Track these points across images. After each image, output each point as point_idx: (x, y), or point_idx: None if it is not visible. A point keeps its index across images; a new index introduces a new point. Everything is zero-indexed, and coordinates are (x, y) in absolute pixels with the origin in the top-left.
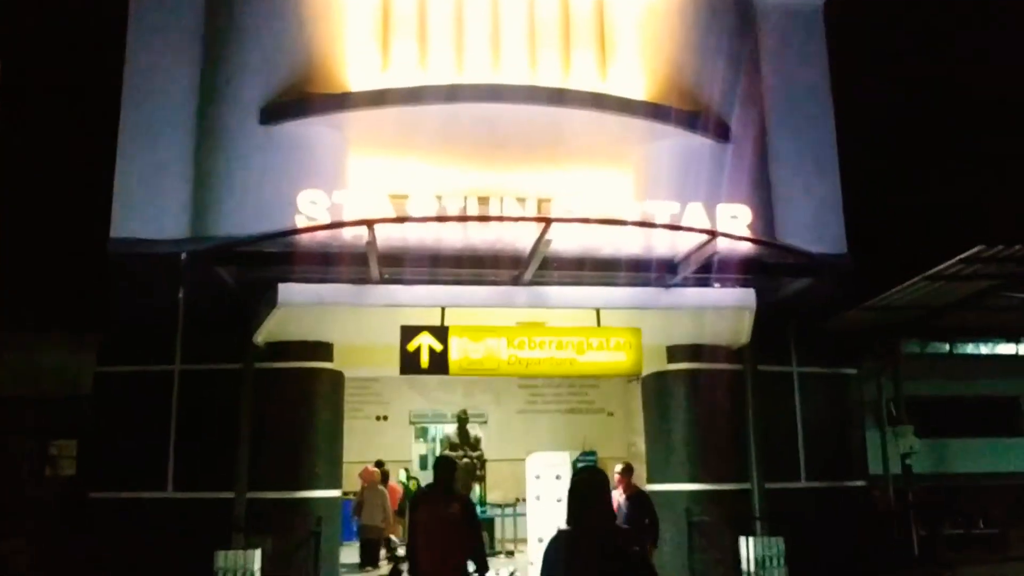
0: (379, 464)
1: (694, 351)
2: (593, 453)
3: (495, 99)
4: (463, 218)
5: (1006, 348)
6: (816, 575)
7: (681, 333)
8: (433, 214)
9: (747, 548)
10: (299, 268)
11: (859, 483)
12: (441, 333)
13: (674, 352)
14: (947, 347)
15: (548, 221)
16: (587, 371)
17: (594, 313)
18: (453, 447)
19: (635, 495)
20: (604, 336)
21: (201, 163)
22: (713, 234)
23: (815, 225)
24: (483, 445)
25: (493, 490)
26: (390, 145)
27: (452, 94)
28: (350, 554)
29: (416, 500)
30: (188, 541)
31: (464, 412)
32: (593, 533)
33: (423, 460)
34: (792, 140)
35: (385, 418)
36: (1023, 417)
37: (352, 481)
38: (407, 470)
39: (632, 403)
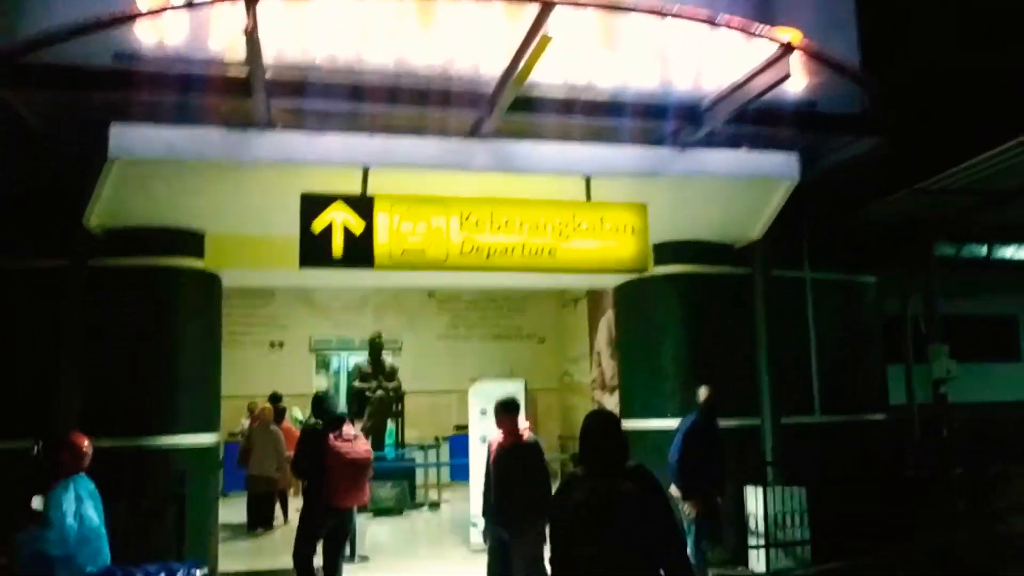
0: (274, 399)
1: (690, 249)
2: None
3: None
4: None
5: None
6: (840, 535)
7: (679, 222)
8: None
9: (756, 501)
10: (141, 97)
11: (879, 416)
12: (362, 206)
13: (663, 251)
14: (984, 249)
15: (548, 4)
16: (571, 264)
17: (582, 183)
18: (364, 377)
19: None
20: (596, 215)
21: None
22: (788, 49)
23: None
24: (399, 376)
25: (411, 428)
26: None
27: None
28: (238, 511)
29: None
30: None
31: (378, 335)
32: (603, 477)
33: (323, 395)
34: None
35: (281, 345)
36: None
37: (236, 421)
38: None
39: (567, 329)
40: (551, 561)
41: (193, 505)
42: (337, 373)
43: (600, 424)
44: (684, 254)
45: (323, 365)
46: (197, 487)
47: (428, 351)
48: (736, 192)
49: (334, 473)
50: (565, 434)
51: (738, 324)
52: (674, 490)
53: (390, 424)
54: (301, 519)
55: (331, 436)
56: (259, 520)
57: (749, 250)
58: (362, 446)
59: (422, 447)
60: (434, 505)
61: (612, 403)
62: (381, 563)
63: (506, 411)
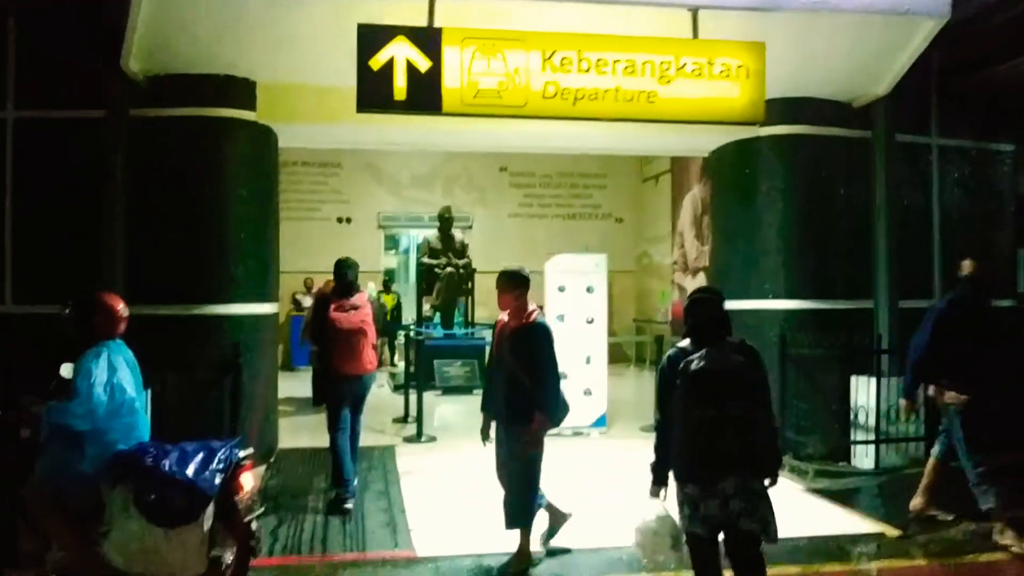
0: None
1: (802, 107)
2: None
3: None
4: None
5: None
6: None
7: (794, 73)
8: None
9: (867, 393)
10: None
11: (1007, 303)
12: (429, 40)
13: (771, 109)
14: None
15: None
16: (672, 113)
17: (687, 17)
18: (433, 253)
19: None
20: (704, 55)
21: None
22: None
23: None
24: (469, 253)
25: (481, 307)
26: None
27: None
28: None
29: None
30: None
31: (447, 210)
32: (714, 348)
33: (393, 274)
34: None
35: (348, 220)
36: None
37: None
38: (386, 282)
39: (647, 207)
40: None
41: (249, 378)
42: (407, 251)
43: (709, 300)
44: (795, 113)
45: (392, 242)
46: (253, 359)
47: (499, 229)
48: (867, 33)
49: (330, 340)
50: (640, 317)
51: (853, 195)
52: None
53: (460, 302)
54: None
55: (332, 305)
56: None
57: (870, 110)
58: (357, 316)
59: (492, 326)
60: None
61: (694, 286)
62: (448, 443)
63: (511, 284)
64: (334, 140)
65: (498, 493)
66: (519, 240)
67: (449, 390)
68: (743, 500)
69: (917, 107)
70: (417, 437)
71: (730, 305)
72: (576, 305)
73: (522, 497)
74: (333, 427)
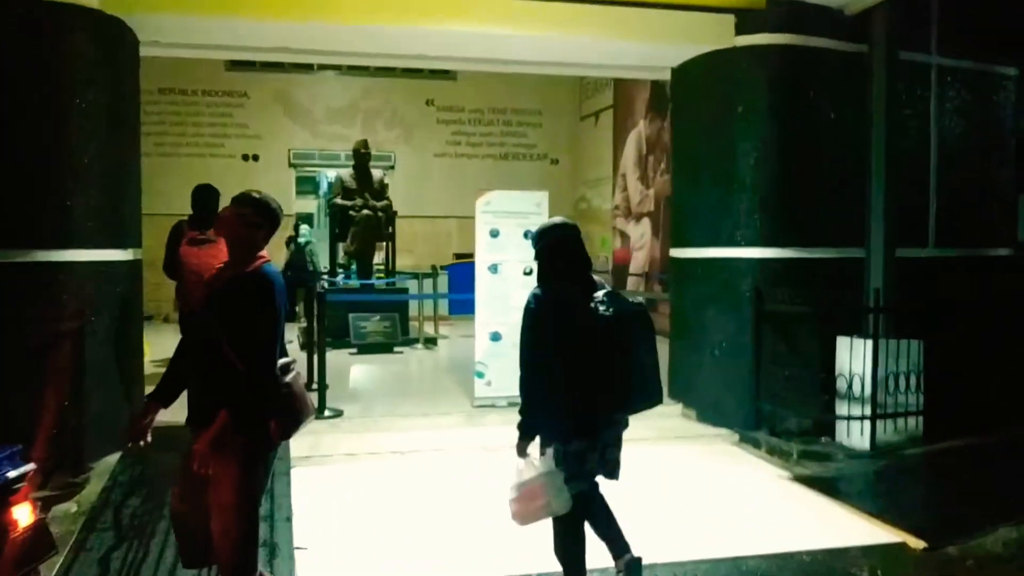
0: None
1: (785, 13)
2: None
3: None
4: None
5: None
6: (964, 406)
7: None
8: None
9: (861, 358)
10: None
11: (1004, 251)
12: None
13: (748, 17)
14: None
15: None
16: None
17: None
18: (348, 194)
19: None
20: None
21: None
22: None
23: None
24: (390, 194)
25: (404, 255)
26: None
27: None
28: None
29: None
30: None
31: (363, 144)
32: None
33: (310, 219)
34: None
35: (255, 158)
36: None
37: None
38: (296, 226)
39: (585, 148)
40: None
41: (99, 345)
42: (327, 194)
43: (569, 235)
44: (778, 19)
45: (306, 185)
46: (102, 321)
47: (425, 171)
48: None
49: (182, 280)
50: None
51: (844, 122)
52: None
53: (379, 248)
54: None
55: (187, 237)
56: None
57: (866, 19)
58: (210, 252)
59: (416, 276)
60: (430, 342)
61: (639, 232)
62: (360, 419)
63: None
64: (220, 39)
65: (424, 496)
66: (446, 182)
67: (366, 348)
68: (617, 447)
69: (915, 20)
70: (319, 411)
71: (694, 253)
72: (512, 254)
73: None
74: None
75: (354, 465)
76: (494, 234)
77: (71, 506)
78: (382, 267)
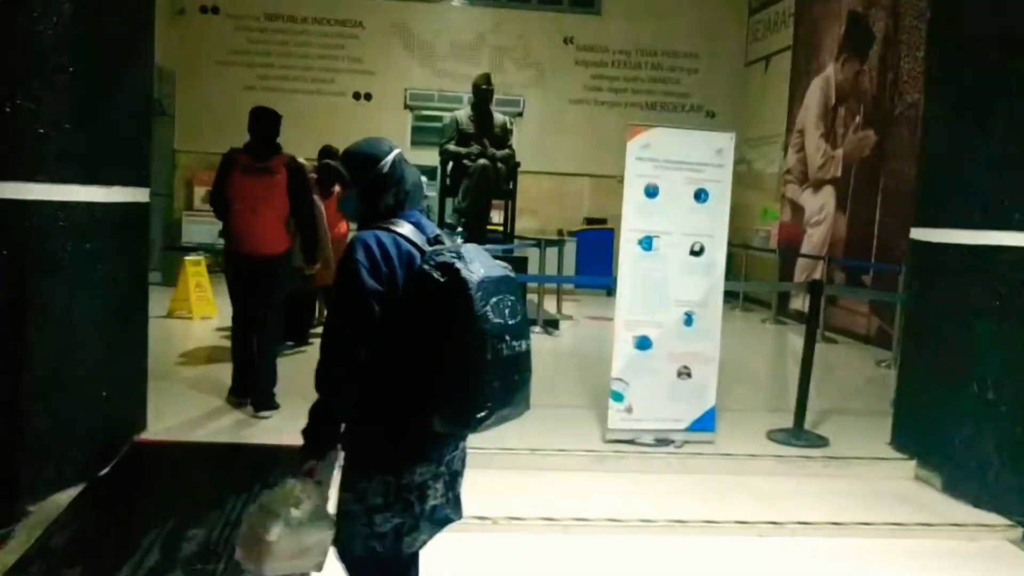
0: (326, 154)
1: None
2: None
3: None
4: None
5: None
6: None
7: None
8: None
9: None
10: None
11: None
12: None
13: None
14: None
15: None
16: None
17: None
18: (463, 139)
19: None
20: None
21: None
22: None
23: None
24: (515, 144)
25: (526, 216)
26: None
27: None
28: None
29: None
30: None
31: (484, 78)
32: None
33: (426, 173)
34: None
35: (368, 97)
36: None
37: None
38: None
39: (749, 99)
40: None
41: (63, 322)
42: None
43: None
44: None
45: (422, 130)
46: (64, 288)
47: (558, 120)
48: None
49: (230, 210)
50: (736, 243)
51: None
52: None
53: (495, 208)
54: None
55: (240, 163)
56: (295, 330)
57: None
58: (263, 182)
59: (538, 243)
60: (550, 324)
61: (817, 203)
62: None
63: None
64: None
65: None
66: (581, 134)
67: None
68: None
69: None
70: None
71: (957, 237)
72: (676, 222)
73: None
74: (233, 321)
75: None
76: (651, 192)
77: None
78: (500, 229)
